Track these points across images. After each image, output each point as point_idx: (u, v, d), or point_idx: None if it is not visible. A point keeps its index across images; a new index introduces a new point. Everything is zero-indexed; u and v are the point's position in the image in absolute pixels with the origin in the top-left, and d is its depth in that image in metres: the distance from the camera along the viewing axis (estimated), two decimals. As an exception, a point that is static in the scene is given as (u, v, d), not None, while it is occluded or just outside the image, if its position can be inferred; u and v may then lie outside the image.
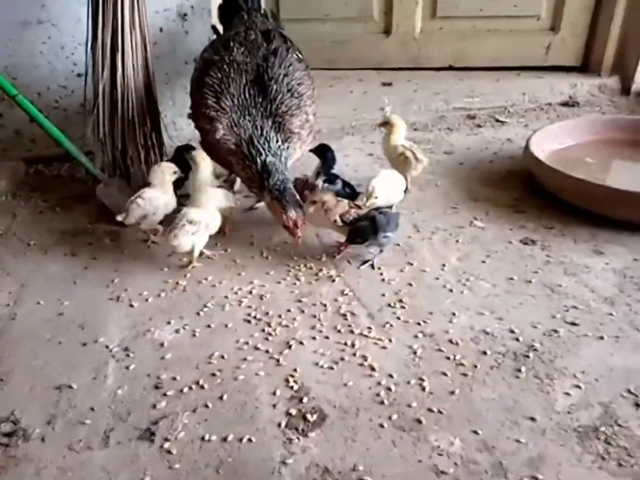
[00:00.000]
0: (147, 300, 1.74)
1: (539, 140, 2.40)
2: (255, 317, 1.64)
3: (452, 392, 1.34)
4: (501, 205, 2.22)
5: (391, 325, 1.58)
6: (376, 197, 1.95)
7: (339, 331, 1.58)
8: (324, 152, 2.15)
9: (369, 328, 1.58)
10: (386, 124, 2.35)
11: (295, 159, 2.06)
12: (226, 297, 1.74)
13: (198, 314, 1.67)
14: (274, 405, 1.33)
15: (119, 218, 1.94)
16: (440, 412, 1.29)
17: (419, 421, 1.27)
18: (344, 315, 1.64)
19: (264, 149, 1.89)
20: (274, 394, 1.36)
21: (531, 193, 2.30)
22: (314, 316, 1.64)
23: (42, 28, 2.53)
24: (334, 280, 1.81)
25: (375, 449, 1.21)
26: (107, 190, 2.22)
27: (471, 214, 2.17)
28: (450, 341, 1.51)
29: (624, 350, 1.46)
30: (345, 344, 1.52)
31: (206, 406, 1.33)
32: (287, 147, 1.95)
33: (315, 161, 2.18)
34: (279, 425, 1.27)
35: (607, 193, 1.99)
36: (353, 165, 2.63)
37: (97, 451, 1.22)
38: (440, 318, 1.61)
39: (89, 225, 2.19)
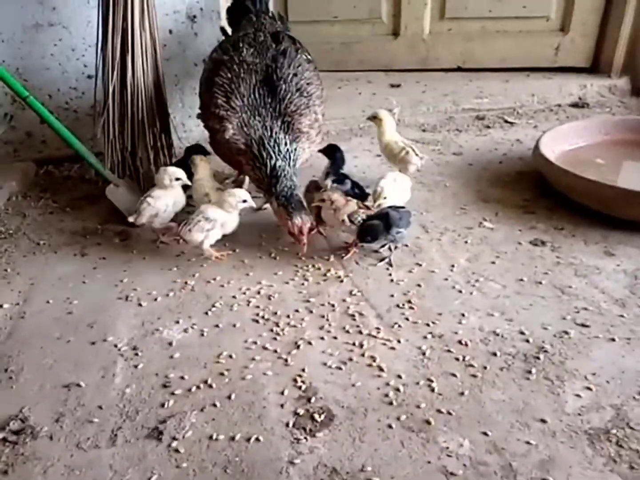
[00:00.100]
0: (155, 299, 1.74)
1: (549, 141, 2.39)
2: (263, 317, 1.64)
3: (462, 393, 1.33)
4: (511, 206, 2.21)
5: (400, 326, 1.58)
6: (385, 198, 1.95)
7: (347, 331, 1.57)
8: (333, 152, 2.15)
9: (378, 328, 1.57)
10: (375, 118, 2.38)
11: (304, 160, 2.05)
12: (234, 297, 1.74)
13: (206, 313, 1.67)
14: (282, 405, 1.32)
15: (131, 219, 1.95)
16: (449, 413, 1.28)
17: (428, 422, 1.26)
18: (353, 315, 1.63)
19: (274, 152, 1.89)
20: (282, 393, 1.36)
21: (541, 194, 2.28)
22: (322, 316, 1.64)
23: (53, 30, 2.56)
24: (342, 281, 1.81)
25: (383, 449, 1.20)
26: (116, 191, 2.23)
27: (480, 215, 2.16)
28: (460, 342, 1.50)
29: (636, 352, 1.44)
30: (354, 344, 1.52)
31: (214, 405, 1.33)
32: (296, 149, 1.95)
33: (323, 163, 2.18)
34: (287, 425, 1.27)
35: (618, 194, 1.97)
36: (362, 166, 2.62)
37: (105, 450, 1.23)
38: (449, 319, 1.59)
39: (98, 225, 2.20)
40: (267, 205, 2.24)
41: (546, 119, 3.17)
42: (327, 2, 3.79)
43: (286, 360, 1.47)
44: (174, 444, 1.23)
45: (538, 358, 1.43)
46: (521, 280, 1.75)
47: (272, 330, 1.58)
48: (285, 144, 1.91)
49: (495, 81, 3.60)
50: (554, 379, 1.37)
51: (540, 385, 1.35)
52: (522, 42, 3.66)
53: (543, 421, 1.25)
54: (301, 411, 1.30)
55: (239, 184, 2.47)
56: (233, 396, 1.35)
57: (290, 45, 2.10)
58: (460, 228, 2.08)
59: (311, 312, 1.66)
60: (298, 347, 1.52)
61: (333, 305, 1.68)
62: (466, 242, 1.99)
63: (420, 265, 1.86)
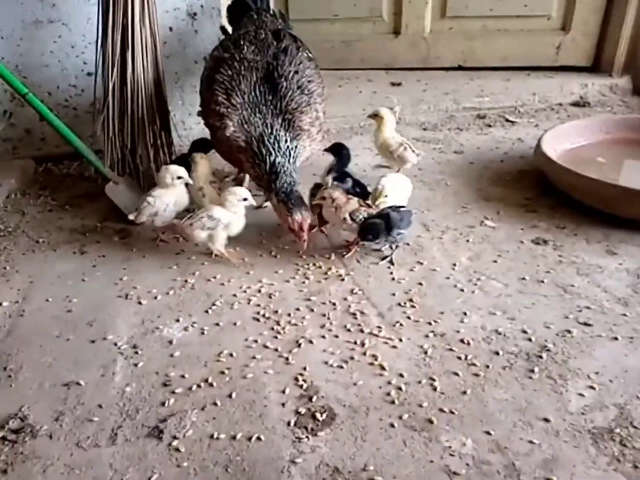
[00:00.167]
0: (155, 297, 1.73)
1: (551, 139, 2.38)
2: (264, 316, 1.63)
3: (464, 392, 1.32)
4: (512, 205, 2.20)
5: (401, 325, 1.57)
6: (386, 196, 1.94)
7: (349, 330, 1.56)
8: (339, 150, 2.15)
9: (379, 327, 1.56)
10: (376, 116, 2.38)
11: (304, 158, 2.04)
12: (235, 295, 1.73)
13: (207, 312, 1.66)
14: (283, 404, 1.32)
15: (131, 217, 1.94)
16: (451, 412, 1.27)
17: (430, 421, 1.25)
18: (354, 314, 1.62)
19: (273, 149, 1.88)
20: (283, 392, 1.35)
21: (543, 193, 2.28)
22: (324, 315, 1.63)
23: (53, 27, 2.54)
24: (343, 279, 1.80)
25: (385, 448, 1.19)
26: (116, 188, 2.22)
27: (482, 214, 2.15)
28: (462, 341, 1.49)
29: (639, 351, 1.44)
30: (355, 343, 1.51)
31: (215, 404, 1.32)
32: (296, 146, 1.94)
33: (324, 161, 2.17)
34: (288, 424, 1.26)
35: (619, 192, 1.97)
36: (362, 165, 2.61)
37: (105, 449, 1.21)
38: (451, 318, 1.59)
39: (98, 223, 2.19)
40: (268, 203, 2.23)
41: (547, 118, 3.17)
42: (327, 0, 3.78)
43: (287, 358, 1.46)
44: (175, 443, 1.22)
45: (541, 357, 1.42)
46: (523, 279, 1.74)
47: (272, 329, 1.57)
48: (286, 141, 1.90)
49: (496, 80, 3.59)
50: (557, 378, 1.36)
51: (543, 384, 1.34)
52: (523, 41, 3.66)
53: (546, 420, 1.24)
54: (302, 410, 1.29)
55: (239, 182, 2.46)
56: (234, 395, 1.34)
57: (291, 43, 2.09)
58: (461, 227, 2.07)
59: (312, 310, 1.65)
60: (299, 345, 1.51)
61: (334, 304, 1.67)
62: (468, 240, 1.98)
63: (422, 263, 1.85)
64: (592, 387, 1.33)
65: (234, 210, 1.87)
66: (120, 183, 2.24)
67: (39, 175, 2.64)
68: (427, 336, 1.52)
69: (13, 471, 1.17)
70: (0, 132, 2.63)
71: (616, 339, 1.48)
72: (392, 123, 2.40)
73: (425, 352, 1.46)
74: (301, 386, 1.36)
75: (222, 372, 1.42)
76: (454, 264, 1.84)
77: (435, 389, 1.34)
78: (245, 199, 1.88)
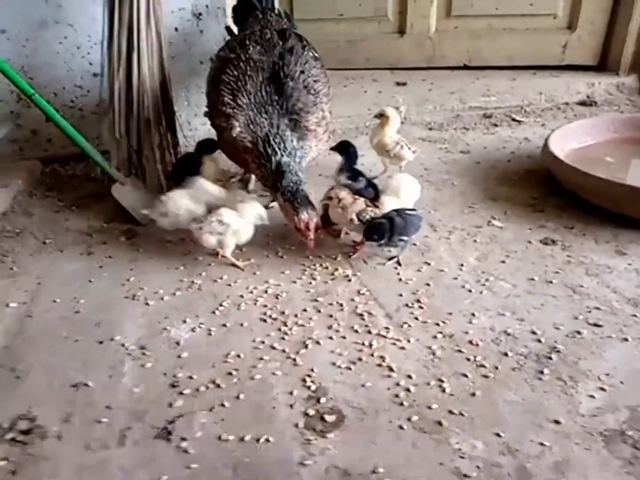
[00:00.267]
0: (162, 298, 1.73)
1: (558, 139, 2.37)
2: (271, 317, 1.63)
3: (473, 394, 1.31)
4: (520, 205, 2.19)
5: (409, 326, 1.56)
6: (392, 196, 1.94)
7: (356, 331, 1.55)
8: (346, 148, 2.14)
9: (387, 328, 1.55)
10: (382, 115, 2.38)
11: (311, 158, 2.04)
12: (242, 296, 1.73)
13: (214, 312, 1.66)
14: (291, 406, 1.31)
15: (145, 212, 1.94)
16: (461, 414, 1.26)
17: (440, 423, 1.24)
18: (361, 315, 1.62)
19: (279, 148, 1.87)
20: (291, 394, 1.34)
21: (550, 192, 2.26)
22: (331, 316, 1.62)
23: (59, 28, 2.55)
24: (350, 280, 1.79)
25: (395, 451, 1.18)
26: (122, 189, 2.22)
27: (489, 214, 2.14)
28: (471, 342, 1.48)
29: (650, 353, 1.43)
30: (363, 344, 1.50)
31: (223, 405, 1.31)
32: (302, 147, 1.93)
33: (331, 160, 2.17)
34: (297, 425, 1.25)
35: (627, 192, 1.95)
36: (368, 165, 2.60)
37: (114, 450, 1.21)
38: (459, 318, 1.58)
39: (104, 224, 2.19)
40: (274, 204, 2.23)
41: (554, 117, 3.16)
42: (332, 0, 3.78)
43: (295, 360, 1.45)
44: (184, 444, 1.21)
45: (550, 358, 1.41)
46: (532, 279, 1.73)
47: (280, 330, 1.57)
48: (292, 141, 1.89)
49: (502, 79, 3.58)
50: (567, 380, 1.35)
51: (553, 386, 1.33)
52: (529, 40, 3.65)
53: (557, 422, 1.23)
54: (311, 412, 1.28)
55: (245, 183, 2.46)
56: (242, 396, 1.34)
57: (297, 42, 2.08)
58: (468, 227, 2.06)
59: (319, 311, 1.65)
60: (306, 346, 1.50)
61: (341, 305, 1.67)
62: (475, 241, 1.97)
63: (429, 264, 1.85)
64: (602, 389, 1.32)
65: (246, 220, 1.87)
66: (126, 184, 2.24)
67: (46, 176, 2.64)
68: (435, 337, 1.51)
69: (22, 473, 1.17)
70: (7, 133, 2.63)
71: (626, 340, 1.47)
72: (397, 123, 2.40)
73: (434, 354, 1.45)
74: (309, 387, 1.36)
75: (230, 373, 1.41)
76: (462, 265, 1.83)
77: (444, 390, 1.33)
78: (261, 218, 1.89)
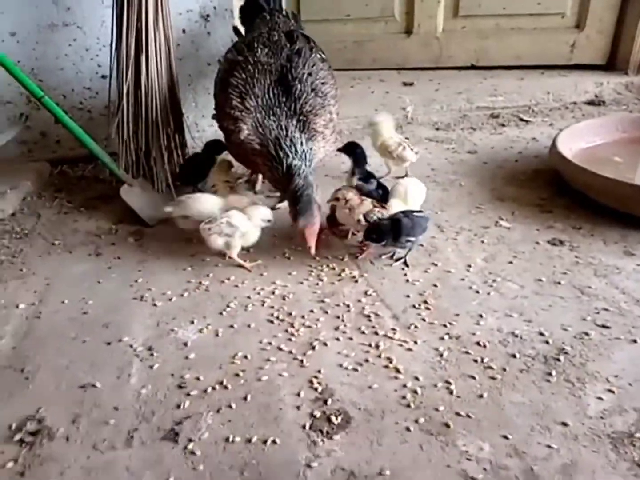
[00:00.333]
0: (170, 299, 1.74)
1: (566, 138, 2.36)
2: (278, 318, 1.63)
3: (481, 396, 1.31)
4: (527, 205, 2.18)
5: (416, 327, 1.56)
6: (399, 200, 1.94)
7: (363, 332, 1.55)
8: (353, 150, 2.15)
9: (394, 329, 1.55)
10: (373, 125, 2.42)
11: (318, 160, 2.04)
12: (249, 297, 1.73)
13: (221, 313, 1.66)
14: (298, 407, 1.31)
15: (168, 209, 1.96)
16: (468, 416, 1.25)
17: (447, 425, 1.23)
18: (368, 316, 1.62)
19: (290, 152, 1.87)
20: (298, 395, 1.34)
21: (558, 192, 2.25)
22: (338, 317, 1.62)
23: (68, 30, 2.57)
24: (356, 281, 1.79)
25: (402, 453, 1.18)
26: (130, 190, 2.24)
27: (496, 214, 2.13)
28: (478, 343, 1.47)
29: (659, 355, 1.41)
30: (370, 345, 1.50)
31: (230, 407, 1.32)
32: (311, 148, 1.93)
33: (337, 162, 2.17)
34: (304, 427, 1.25)
35: (636, 192, 1.94)
36: (374, 166, 2.58)
37: (121, 451, 1.22)
38: (466, 320, 1.57)
39: (112, 225, 2.20)
40: (280, 205, 2.24)
41: (562, 117, 3.14)
42: (339, 0, 3.78)
43: (302, 361, 1.45)
44: (190, 445, 1.22)
45: (558, 360, 1.40)
46: (540, 280, 1.73)
47: (287, 331, 1.57)
48: (301, 143, 1.89)
49: (510, 79, 3.57)
50: (575, 381, 1.34)
51: (560, 388, 1.33)
52: (536, 40, 3.63)
53: (564, 424, 1.23)
54: (318, 413, 1.28)
55: (252, 184, 2.47)
56: (249, 397, 1.34)
57: (305, 44, 2.09)
58: (476, 227, 2.06)
59: (326, 312, 1.65)
60: (313, 348, 1.50)
61: (348, 306, 1.67)
62: (482, 241, 1.96)
63: (436, 265, 1.84)
64: (611, 391, 1.31)
65: (254, 223, 1.88)
66: (134, 185, 2.26)
67: (54, 177, 2.66)
68: (442, 339, 1.51)
69: (30, 474, 1.18)
70: (16, 134, 2.66)
71: (635, 341, 1.46)
72: (389, 126, 2.41)
73: (441, 355, 1.44)
74: (316, 389, 1.36)
75: (237, 375, 1.42)
76: (469, 265, 1.82)
77: (451, 392, 1.32)
78: (269, 221, 1.91)
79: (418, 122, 3.17)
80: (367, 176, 2.10)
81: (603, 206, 2.04)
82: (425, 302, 1.66)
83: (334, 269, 1.86)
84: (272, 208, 2.17)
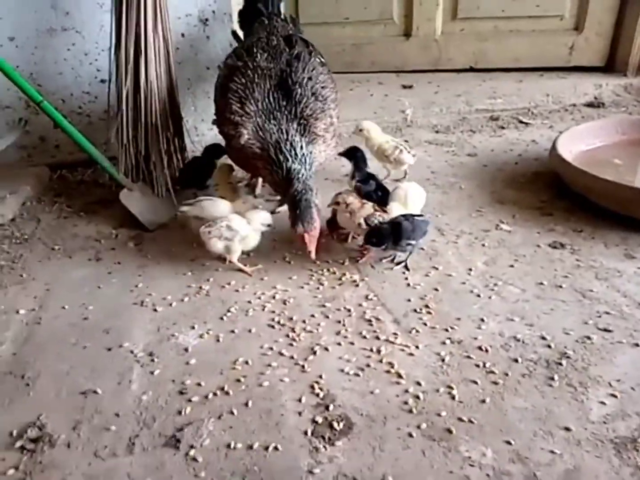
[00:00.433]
0: (170, 304, 1.73)
1: (566, 141, 2.36)
2: (279, 323, 1.62)
3: (483, 401, 1.30)
4: (528, 208, 2.18)
5: (417, 331, 1.55)
6: (399, 204, 1.94)
7: (364, 337, 1.55)
8: (353, 154, 2.16)
9: (395, 334, 1.55)
10: (360, 131, 2.43)
11: (319, 164, 2.04)
12: (249, 302, 1.73)
13: (222, 318, 1.66)
14: (300, 413, 1.31)
15: (184, 208, 1.97)
16: (471, 421, 1.25)
17: (449, 431, 1.23)
18: (369, 320, 1.61)
19: (290, 155, 1.86)
20: (300, 400, 1.34)
21: (558, 195, 2.25)
22: (339, 321, 1.62)
23: (67, 35, 2.57)
24: (357, 285, 1.79)
25: (404, 459, 1.18)
26: (130, 195, 2.23)
27: (497, 217, 2.13)
28: (480, 348, 1.47)
29: (661, 358, 1.41)
30: (371, 350, 1.49)
31: (231, 413, 1.31)
32: (311, 152, 1.93)
33: (337, 165, 2.17)
34: (305, 433, 1.25)
35: (636, 195, 1.94)
36: (374, 169, 2.59)
37: (123, 458, 1.21)
38: (468, 324, 1.57)
39: (112, 230, 2.20)
40: (280, 209, 2.23)
41: (561, 119, 3.14)
42: (337, 3, 3.79)
43: (303, 366, 1.45)
44: (192, 452, 1.21)
45: (560, 364, 1.40)
46: (541, 284, 1.72)
47: (288, 336, 1.57)
48: (301, 147, 1.88)
49: (509, 81, 3.57)
50: (577, 386, 1.34)
51: (563, 392, 1.32)
52: (535, 42, 3.64)
53: (567, 429, 1.22)
54: (319, 419, 1.28)
55: (252, 188, 2.46)
56: (250, 403, 1.34)
57: (304, 48, 2.09)
58: (476, 230, 2.05)
59: (327, 317, 1.64)
60: (315, 353, 1.50)
61: (349, 310, 1.66)
62: (483, 245, 1.96)
63: (437, 268, 1.84)
64: (613, 395, 1.30)
65: (254, 227, 1.88)
66: (134, 189, 2.26)
67: (54, 182, 2.66)
68: (444, 343, 1.50)
69: (32, 480, 1.18)
70: (16, 139, 2.65)
71: (637, 345, 1.46)
72: (377, 130, 2.43)
73: (443, 360, 1.44)
74: (317, 394, 1.35)
75: (238, 380, 1.41)
76: (470, 269, 1.82)
77: (453, 397, 1.32)
78: (268, 225, 1.91)
79: (417, 125, 3.17)
80: (367, 178, 2.10)
81: (603, 209, 2.04)
82: (427, 306, 1.65)
83: (334, 273, 1.85)
84: (272, 212, 2.17)
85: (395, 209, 1.92)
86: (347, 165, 2.23)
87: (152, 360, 1.50)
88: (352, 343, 1.53)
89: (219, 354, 1.52)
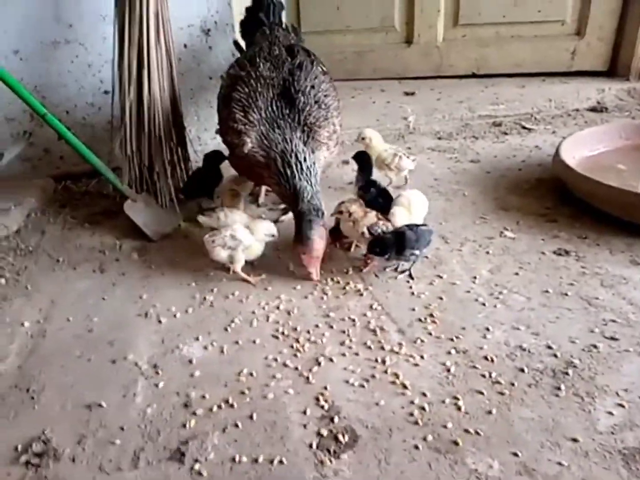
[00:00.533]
0: (175, 315, 1.73)
1: (569, 146, 2.35)
2: (283, 333, 1.62)
3: (489, 412, 1.29)
4: (532, 215, 2.17)
5: (422, 341, 1.54)
6: (403, 212, 1.93)
7: (369, 347, 1.54)
8: (360, 158, 2.20)
9: (400, 344, 1.54)
10: (363, 139, 2.43)
11: (321, 171, 2.04)
12: (253, 312, 1.73)
13: (226, 329, 1.66)
14: (305, 425, 1.30)
15: (202, 219, 2.00)
16: (477, 433, 1.24)
17: (456, 443, 1.22)
18: (374, 330, 1.61)
19: (297, 170, 1.85)
20: (304, 413, 1.33)
21: (562, 201, 2.24)
22: (343, 332, 1.61)
23: (70, 47, 2.58)
24: (362, 294, 1.78)
25: (410, 471, 1.17)
26: (134, 206, 2.24)
27: (501, 224, 2.12)
28: (485, 358, 1.46)
29: (669, 367, 1.40)
30: (376, 360, 1.49)
31: (236, 426, 1.31)
32: (315, 162, 1.92)
33: (339, 173, 2.17)
34: (310, 446, 1.24)
35: (640, 200, 1.93)
36: (376, 177, 2.59)
37: (127, 472, 1.21)
38: (473, 333, 1.56)
39: (116, 240, 2.20)
40: (284, 218, 2.23)
41: (564, 124, 3.13)
42: (339, 12, 3.81)
43: (307, 377, 1.44)
44: (197, 466, 1.21)
45: (567, 374, 1.39)
46: (546, 291, 1.71)
47: (292, 347, 1.56)
48: (305, 159, 1.87)
49: (511, 87, 3.57)
50: (584, 396, 1.33)
51: (570, 403, 1.31)
52: (537, 47, 3.64)
53: (574, 440, 1.21)
54: (324, 432, 1.27)
55: (255, 196, 2.47)
56: (255, 416, 1.33)
57: (306, 58, 2.09)
58: (480, 238, 2.05)
59: (331, 327, 1.64)
60: (319, 364, 1.49)
61: (353, 320, 1.66)
62: (487, 252, 1.95)
63: (441, 277, 1.83)
64: (621, 405, 1.29)
65: (257, 238, 1.89)
66: (138, 200, 2.26)
67: (58, 193, 2.67)
68: (449, 353, 1.49)
69: (37, 496, 1.17)
70: (20, 152, 2.67)
71: (644, 353, 1.45)
72: (379, 138, 2.43)
73: (448, 370, 1.43)
74: (322, 406, 1.35)
75: (243, 392, 1.41)
76: (474, 277, 1.81)
77: (459, 408, 1.31)
78: (272, 235, 1.92)
79: (420, 132, 3.17)
80: (368, 185, 2.10)
81: (608, 215, 2.03)
82: (431, 315, 1.65)
83: (338, 282, 1.85)
84: (276, 221, 2.17)
85: (398, 216, 1.92)
86: (349, 174, 2.23)
87: (157, 373, 1.50)
88: (356, 353, 1.52)
89: (223, 365, 1.51)
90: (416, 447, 1.22)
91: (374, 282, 1.84)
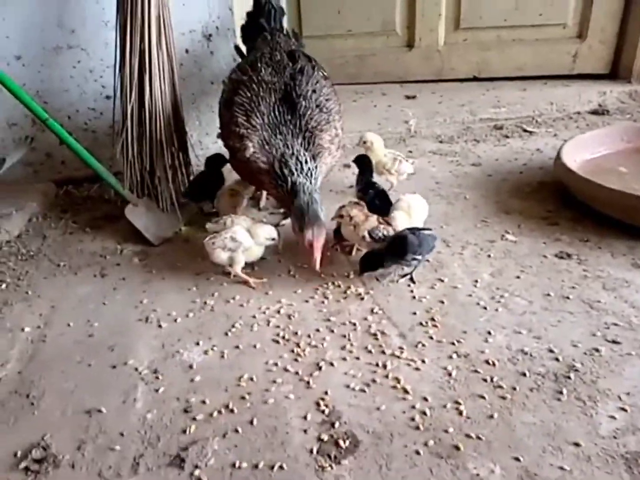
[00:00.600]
0: (175, 320, 1.73)
1: (571, 149, 2.34)
2: (283, 338, 1.62)
3: (491, 417, 1.29)
4: (534, 218, 2.16)
5: (424, 345, 1.54)
6: (403, 216, 1.93)
7: (370, 352, 1.53)
8: (361, 161, 2.21)
9: (401, 348, 1.53)
10: (364, 143, 2.42)
11: (324, 176, 2.04)
12: (254, 316, 1.72)
13: (226, 334, 1.65)
14: (305, 431, 1.29)
15: (209, 225, 1.98)
16: (479, 437, 1.23)
17: (457, 447, 1.21)
18: (374, 334, 1.60)
19: (295, 169, 1.86)
20: (305, 418, 1.33)
21: (564, 204, 2.23)
22: (344, 336, 1.60)
23: (72, 53, 2.59)
24: (362, 298, 1.78)
25: (411, 477, 1.16)
26: (135, 210, 2.24)
27: (502, 228, 2.12)
28: (487, 362, 1.45)
29: (672, 371, 1.39)
30: (377, 365, 1.48)
31: (236, 431, 1.30)
32: (317, 166, 1.92)
33: (341, 177, 2.16)
34: (311, 451, 1.23)
35: (643, 204, 1.92)
36: (378, 180, 2.59)
37: (127, 478, 1.20)
38: (475, 337, 1.55)
39: (117, 245, 2.20)
40: (284, 222, 2.23)
41: (566, 127, 3.12)
42: (340, 16, 3.81)
43: (308, 382, 1.44)
44: (197, 472, 1.20)
45: (569, 377, 1.38)
46: (548, 295, 1.71)
47: (293, 351, 1.56)
48: (306, 161, 1.88)
49: (512, 90, 3.57)
50: (586, 400, 1.32)
51: (572, 407, 1.30)
52: (538, 50, 3.64)
53: (577, 445, 1.20)
54: (325, 437, 1.27)
55: (256, 201, 2.47)
56: (255, 421, 1.33)
57: (307, 63, 2.10)
58: (482, 241, 2.04)
59: (332, 331, 1.63)
60: (320, 368, 1.48)
61: (354, 324, 1.65)
62: (489, 256, 1.94)
63: (443, 280, 1.83)
64: (623, 409, 1.28)
65: (258, 242, 1.89)
66: (139, 205, 2.26)
67: (60, 198, 2.67)
68: (450, 357, 1.49)
69: (36, 502, 1.17)
70: (22, 156, 2.68)
71: (647, 357, 1.44)
72: (380, 143, 2.43)
73: (450, 374, 1.42)
74: (323, 411, 1.34)
75: (243, 397, 1.40)
76: (476, 281, 1.81)
77: (461, 413, 1.30)
78: (273, 239, 1.91)
79: (421, 135, 3.17)
80: (366, 186, 2.11)
81: (609, 218, 2.03)
82: (432, 319, 1.64)
83: (339, 286, 1.84)
84: (276, 225, 2.17)
85: (399, 220, 1.91)
86: (350, 177, 2.23)
87: (157, 378, 1.49)
88: (357, 358, 1.52)
89: (224, 370, 1.51)
90: (417, 452, 1.21)
91: (375, 286, 1.84)
